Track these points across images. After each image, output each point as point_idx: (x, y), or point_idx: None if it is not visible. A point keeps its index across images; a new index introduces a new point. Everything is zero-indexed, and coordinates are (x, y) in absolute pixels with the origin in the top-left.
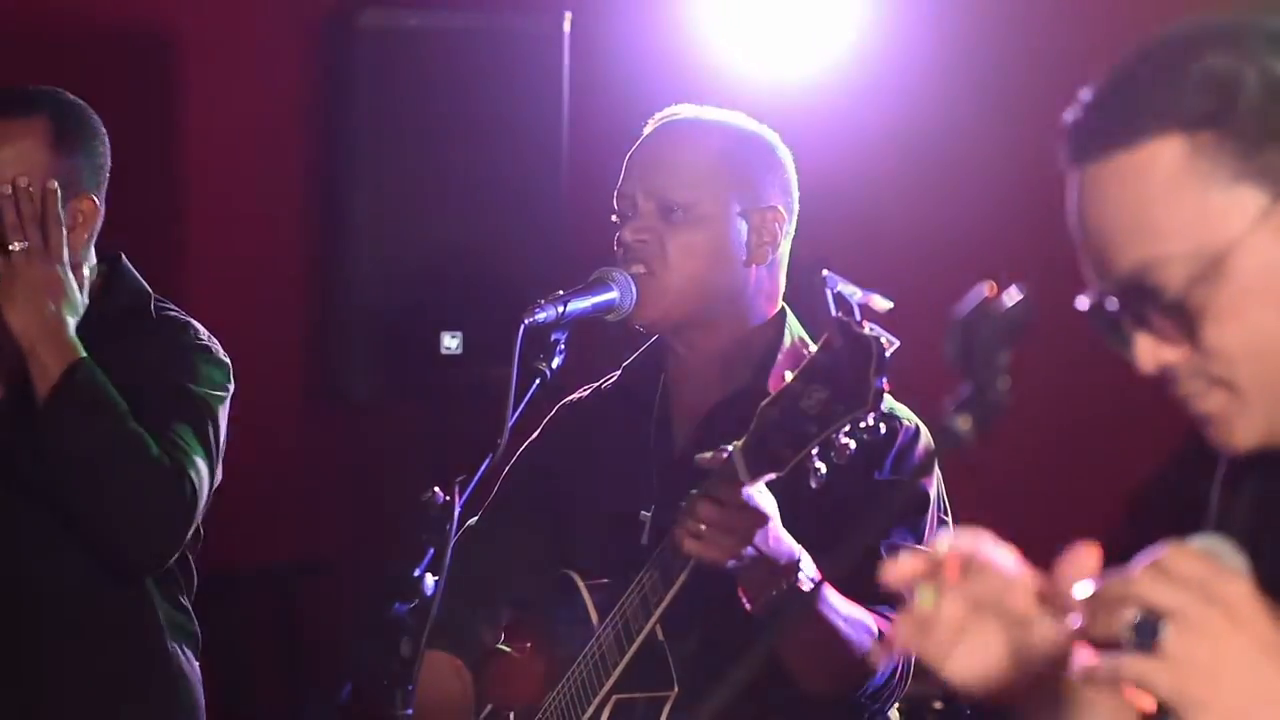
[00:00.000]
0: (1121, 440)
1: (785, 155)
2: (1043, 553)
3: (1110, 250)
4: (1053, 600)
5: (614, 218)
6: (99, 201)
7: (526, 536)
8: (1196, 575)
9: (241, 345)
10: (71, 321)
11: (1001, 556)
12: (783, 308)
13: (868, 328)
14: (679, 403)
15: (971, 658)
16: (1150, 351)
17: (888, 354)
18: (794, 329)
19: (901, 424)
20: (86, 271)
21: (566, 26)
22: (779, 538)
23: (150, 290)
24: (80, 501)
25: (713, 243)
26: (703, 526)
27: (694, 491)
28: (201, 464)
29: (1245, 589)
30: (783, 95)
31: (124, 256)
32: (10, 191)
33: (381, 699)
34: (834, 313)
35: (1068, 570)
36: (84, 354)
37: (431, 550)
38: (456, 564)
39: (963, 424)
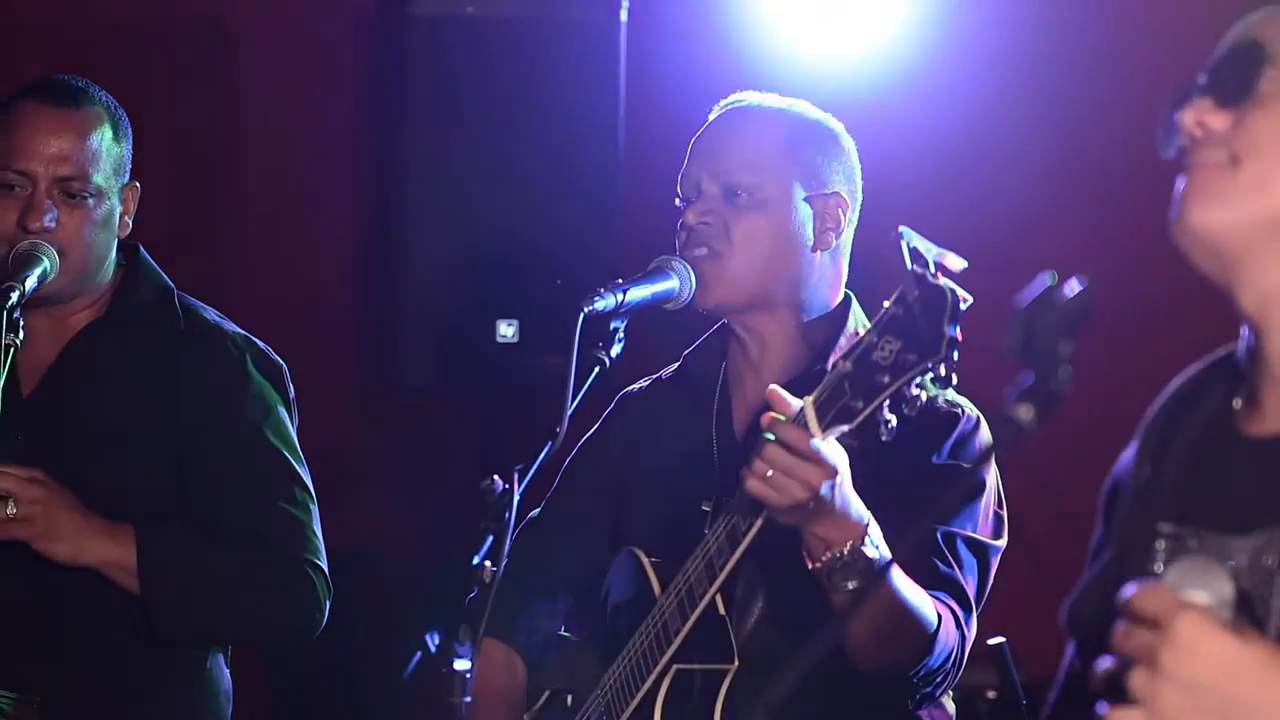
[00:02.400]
0: None
1: (849, 144)
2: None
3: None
4: None
5: (677, 201)
6: (137, 185)
7: (587, 527)
8: (1151, 615)
9: (298, 334)
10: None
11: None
12: (847, 295)
13: (942, 279)
14: (740, 390)
15: None
16: (1200, 109)
17: (962, 305)
18: (858, 317)
19: (963, 412)
20: (113, 255)
21: (623, 14)
22: (847, 497)
23: (172, 284)
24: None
25: (776, 227)
26: (770, 471)
27: (769, 435)
28: (315, 538)
29: (1192, 621)
30: (840, 82)
31: (142, 248)
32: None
33: (440, 685)
34: (909, 265)
35: None
36: (133, 545)
37: (490, 538)
38: (517, 554)
39: (1024, 413)
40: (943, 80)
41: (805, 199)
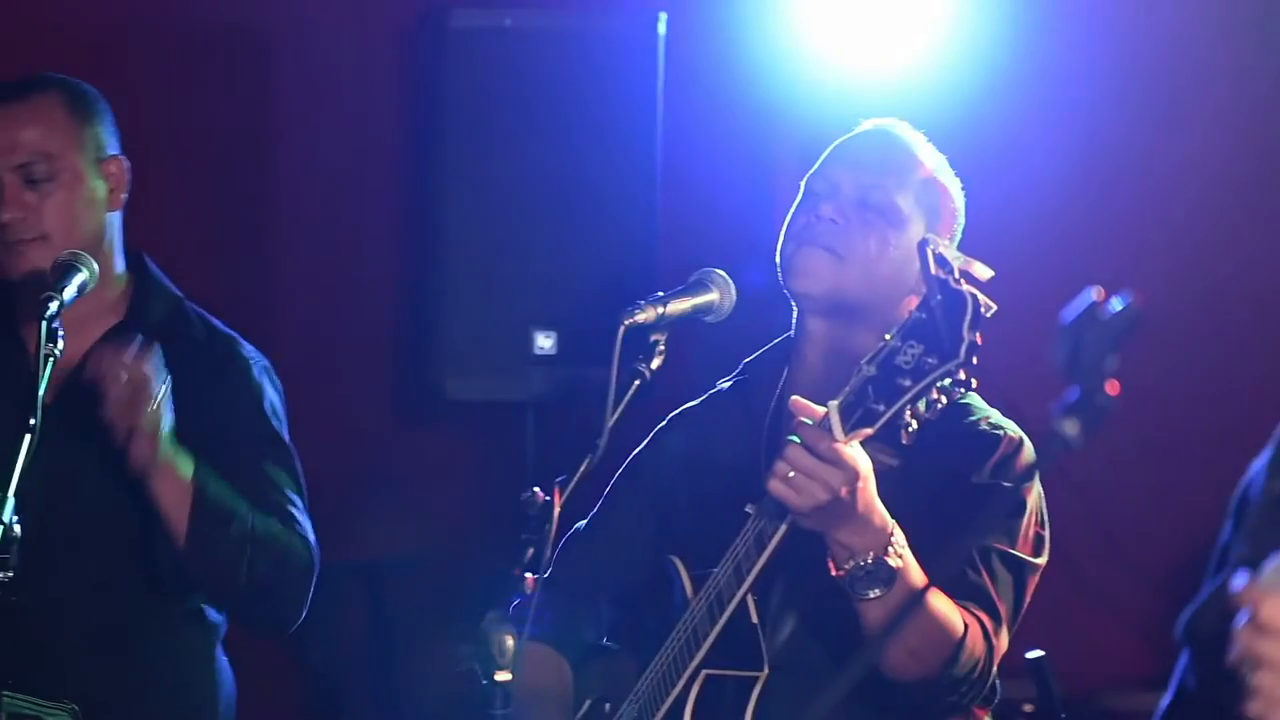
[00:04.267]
0: (1217, 446)
1: (963, 210)
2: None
3: None
4: None
5: (799, 195)
6: (125, 160)
7: (632, 540)
8: (1264, 613)
9: (336, 344)
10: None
11: None
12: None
13: (965, 285)
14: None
15: None
16: None
17: (984, 311)
18: None
19: (1005, 434)
20: (117, 227)
21: (661, 28)
22: (870, 501)
23: (179, 293)
24: (224, 599)
25: (894, 254)
26: (792, 473)
27: (792, 438)
28: (306, 519)
29: None
30: (878, 97)
31: (146, 256)
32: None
33: (483, 697)
34: (932, 271)
35: None
36: (191, 473)
37: (532, 549)
38: (561, 564)
39: (1070, 428)
40: (980, 93)
41: (919, 240)
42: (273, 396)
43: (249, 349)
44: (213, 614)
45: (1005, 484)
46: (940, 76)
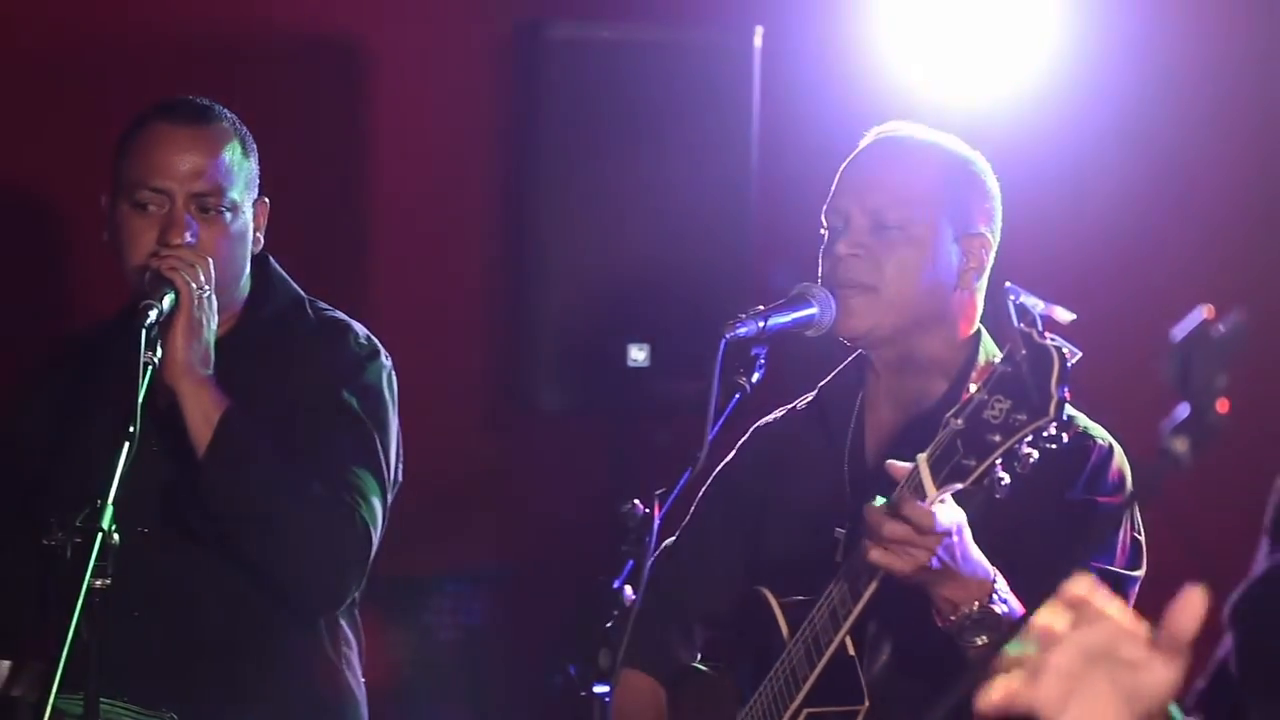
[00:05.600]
0: None
1: (995, 184)
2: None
3: None
4: (1165, 645)
5: (822, 231)
6: (267, 202)
7: (722, 556)
8: None
9: (429, 356)
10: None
11: (1111, 605)
12: (978, 329)
13: (1049, 338)
14: (873, 421)
15: (1083, 707)
16: None
17: (1070, 364)
18: (988, 349)
19: (1095, 443)
20: (247, 271)
21: (758, 41)
22: (968, 553)
23: (304, 293)
24: (251, 553)
25: (925, 264)
26: (887, 537)
27: (877, 501)
28: (374, 499)
29: None
30: (974, 110)
31: (272, 258)
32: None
33: (579, 710)
34: (1016, 324)
35: (1179, 614)
36: (227, 404)
37: (631, 562)
38: (653, 582)
39: (1180, 446)
40: (1072, 104)
41: (954, 239)
42: (369, 380)
43: (363, 339)
44: (346, 629)
45: (1100, 499)
46: (1039, 90)
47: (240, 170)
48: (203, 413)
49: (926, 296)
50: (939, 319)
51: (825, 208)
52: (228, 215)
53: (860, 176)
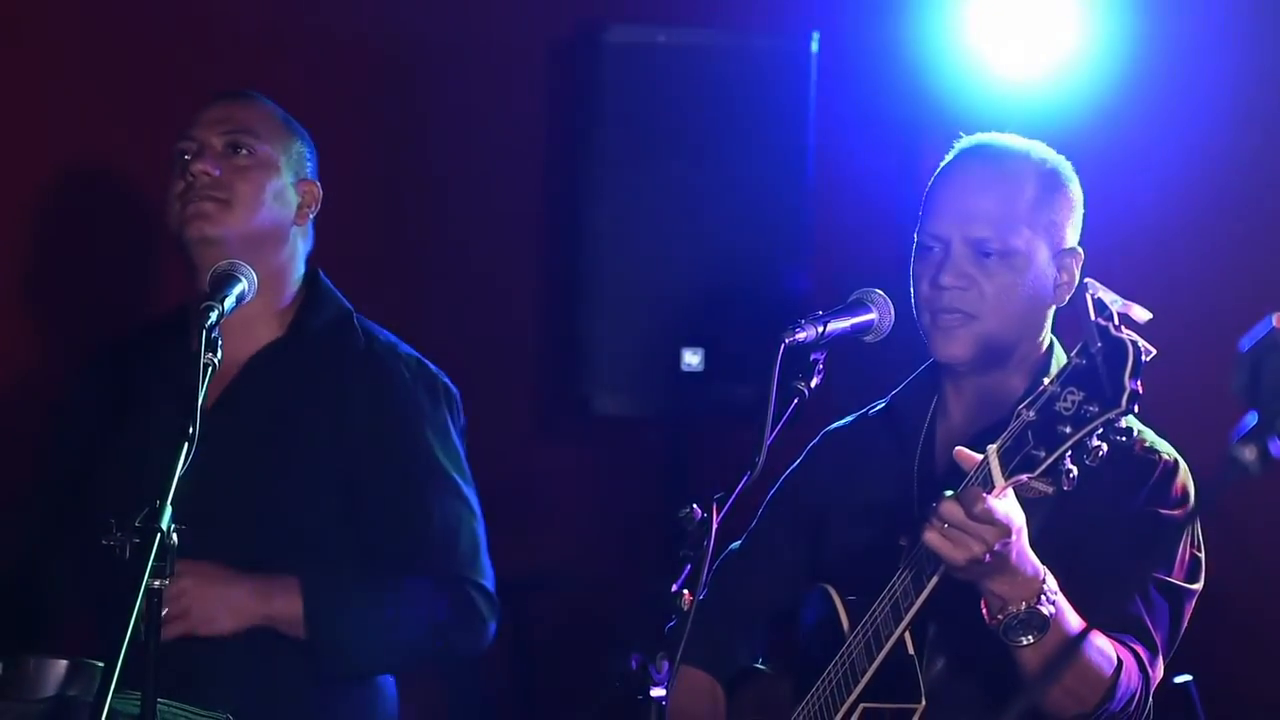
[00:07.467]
0: None
1: (1080, 192)
2: None
3: None
4: None
5: (914, 248)
6: (320, 188)
7: (786, 561)
8: None
9: (483, 360)
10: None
11: None
12: (1051, 340)
13: (1125, 332)
14: (946, 429)
15: None
16: None
17: (1144, 358)
18: (1059, 358)
19: (1160, 456)
20: (300, 246)
21: (814, 45)
22: (1023, 552)
23: (350, 306)
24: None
25: (1024, 285)
26: (948, 525)
27: (947, 492)
28: (482, 554)
29: None
30: (1029, 111)
31: (321, 272)
32: None
33: (636, 712)
34: (1092, 317)
35: None
36: (297, 596)
37: (689, 566)
38: (717, 585)
39: (1249, 454)
40: (1135, 105)
41: (1050, 257)
42: (432, 412)
43: (408, 359)
44: None
45: (1162, 511)
46: (1095, 91)
47: (281, 135)
48: (287, 624)
49: (1024, 315)
50: (1031, 339)
51: (921, 229)
52: (261, 159)
53: (961, 204)
